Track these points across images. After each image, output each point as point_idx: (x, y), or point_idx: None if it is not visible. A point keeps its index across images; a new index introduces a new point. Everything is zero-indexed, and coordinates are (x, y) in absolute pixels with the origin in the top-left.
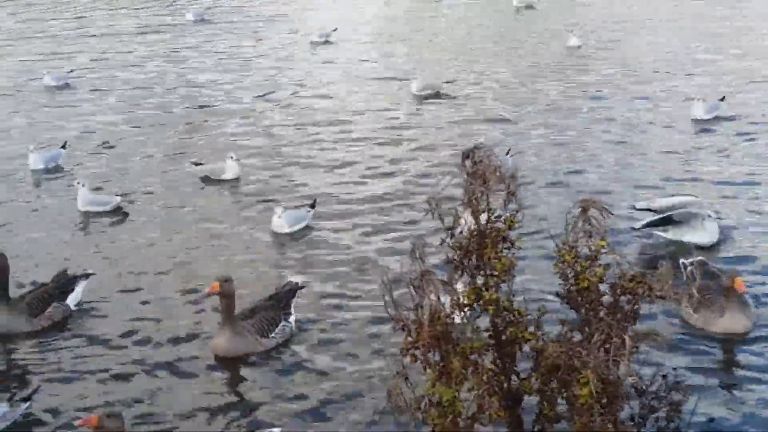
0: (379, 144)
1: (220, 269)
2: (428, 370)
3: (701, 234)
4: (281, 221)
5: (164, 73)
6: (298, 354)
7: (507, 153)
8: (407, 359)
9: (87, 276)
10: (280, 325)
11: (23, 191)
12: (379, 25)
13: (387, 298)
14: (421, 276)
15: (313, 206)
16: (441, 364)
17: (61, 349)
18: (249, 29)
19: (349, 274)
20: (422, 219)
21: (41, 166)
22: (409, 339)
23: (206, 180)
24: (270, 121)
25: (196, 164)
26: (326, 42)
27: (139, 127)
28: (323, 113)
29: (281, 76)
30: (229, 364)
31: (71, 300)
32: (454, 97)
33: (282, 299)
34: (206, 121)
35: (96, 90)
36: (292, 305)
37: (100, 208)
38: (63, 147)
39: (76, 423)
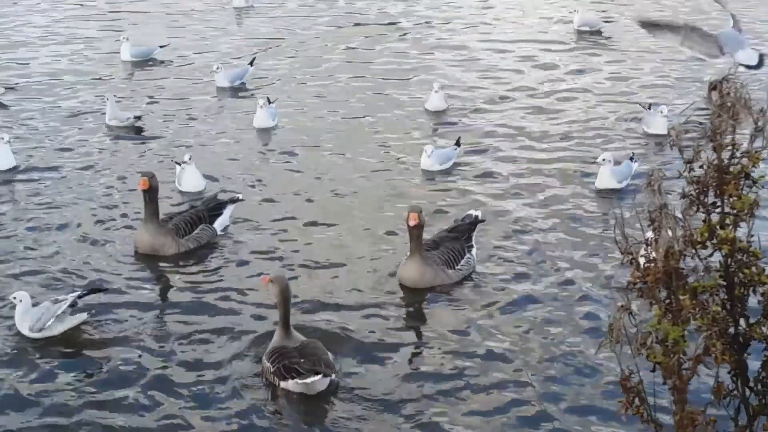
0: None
1: (373, 201)
2: (654, 307)
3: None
4: (431, 160)
5: None
6: (483, 286)
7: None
8: (633, 293)
9: (235, 201)
10: (465, 257)
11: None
12: None
13: (618, 230)
14: (660, 209)
15: (458, 144)
16: (668, 302)
17: (204, 270)
18: None
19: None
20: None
21: (227, 84)
22: (637, 273)
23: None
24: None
25: None
26: None
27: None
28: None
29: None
30: (416, 293)
31: (218, 224)
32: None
33: (464, 232)
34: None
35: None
36: (473, 238)
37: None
38: (250, 64)
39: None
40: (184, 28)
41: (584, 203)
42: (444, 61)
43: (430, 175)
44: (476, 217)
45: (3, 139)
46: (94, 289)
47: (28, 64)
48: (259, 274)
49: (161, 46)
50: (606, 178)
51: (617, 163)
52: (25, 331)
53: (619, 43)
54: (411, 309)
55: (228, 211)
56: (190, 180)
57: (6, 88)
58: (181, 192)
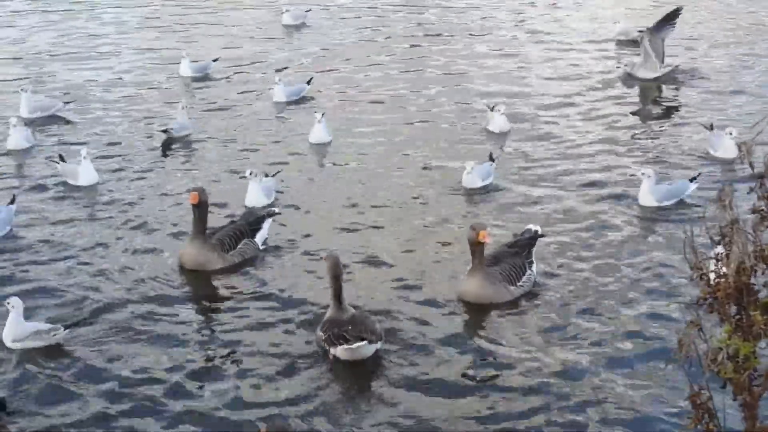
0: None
1: (418, 216)
2: (724, 323)
3: None
4: (472, 176)
5: None
6: (545, 302)
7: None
8: (702, 309)
9: (272, 214)
10: (527, 273)
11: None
12: None
13: (689, 244)
14: (731, 224)
15: (492, 159)
16: (738, 317)
17: (250, 284)
18: None
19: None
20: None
21: (284, 99)
22: (708, 289)
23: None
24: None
25: None
26: None
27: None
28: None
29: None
30: (477, 309)
31: (259, 238)
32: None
33: (524, 247)
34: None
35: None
36: (533, 254)
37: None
38: (308, 83)
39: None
40: (238, 41)
41: (641, 221)
42: (495, 75)
43: (473, 192)
44: (536, 231)
45: (82, 154)
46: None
47: (92, 77)
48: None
49: (214, 60)
50: (645, 194)
51: (661, 182)
52: (8, 342)
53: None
54: (470, 322)
55: (267, 225)
56: (251, 196)
57: (65, 103)
58: (246, 206)
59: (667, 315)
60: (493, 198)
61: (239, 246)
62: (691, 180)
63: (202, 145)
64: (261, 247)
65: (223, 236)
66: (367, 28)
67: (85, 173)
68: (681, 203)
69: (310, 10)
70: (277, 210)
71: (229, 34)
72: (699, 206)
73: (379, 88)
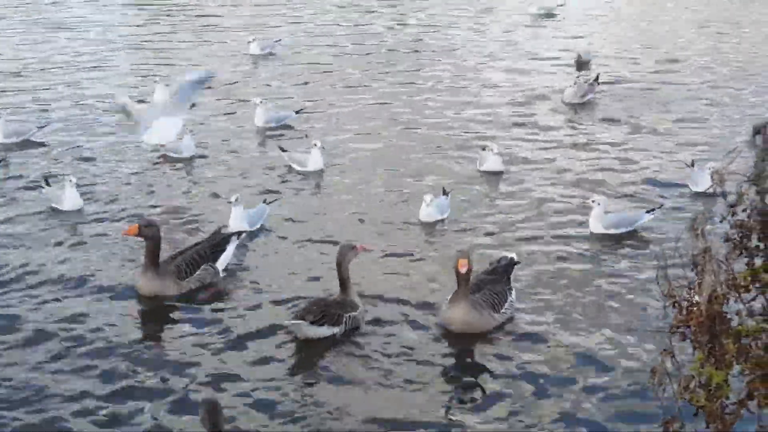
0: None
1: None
2: (697, 351)
3: None
4: (430, 209)
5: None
6: (522, 324)
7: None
8: (675, 337)
9: (240, 234)
10: (508, 299)
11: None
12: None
13: (660, 272)
14: (703, 252)
15: (445, 192)
16: (711, 346)
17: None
18: None
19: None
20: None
21: (263, 124)
22: (680, 317)
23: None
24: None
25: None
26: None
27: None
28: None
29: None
30: (463, 338)
31: (222, 261)
32: None
33: (502, 274)
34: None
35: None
36: (511, 280)
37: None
38: (297, 112)
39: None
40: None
41: (619, 247)
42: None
43: (429, 227)
44: (511, 259)
45: (71, 181)
46: None
47: (66, 98)
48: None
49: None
50: (594, 221)
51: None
52: None
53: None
54: (452, 349)
55: (232, 247)
56: (235, 221)
57: (39, 127)
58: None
59: (639, 342)
60: (451, 228)
61: (197, 272)
62: (648, 211)
63: (193, 167)
64: (221, 273)
65: (181, 262)
66: (349, 52)
67: (69, 199)
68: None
69: (279, 40)
70: (244, 231)
71: (214, 55)
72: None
73: (370, 116)
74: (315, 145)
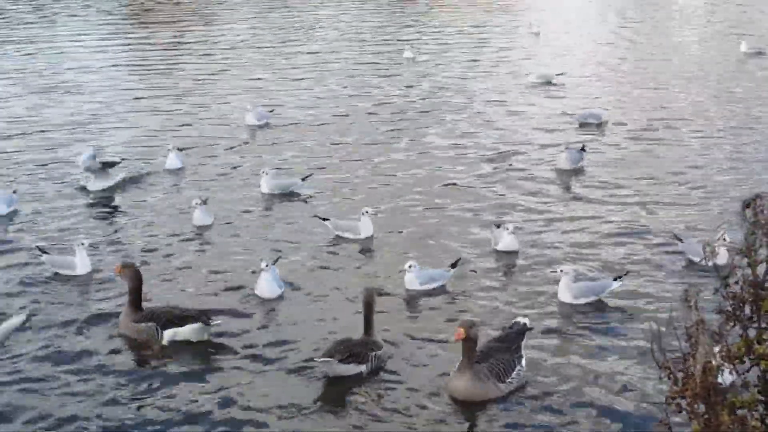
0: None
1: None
2: (693, 422)
3: None
4: (411, 276)
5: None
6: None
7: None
8: (671, 408)
9: (206, 322)
10: (516, 369)
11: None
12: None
13: (655, 344)
14: (697, 324)
15: (454, 266)
16: (706, 416)
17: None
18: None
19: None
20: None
21: (268, 191)
22: (675, 388)
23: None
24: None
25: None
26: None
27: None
28: None
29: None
30: (467, 407)
31: (168, 334)
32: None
33: (513, 341)
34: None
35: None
36: (522, 347)
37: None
38: (303, 179)
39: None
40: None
41: (616, 314)
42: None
43: (413, 294)
44: (524, 324)
45: (83, 245)
46: None
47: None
48: None
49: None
50: (563, 291)
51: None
52: None
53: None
54: (458, 418)
55: (188, 329)
56: (264, 286)
57: None
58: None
59: (638, 414)
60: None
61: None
62: (616, 279)
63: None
64: (165, 342)
65: (160, 312)
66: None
67: (82, 263)
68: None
69: (273, 110)
70: (213, 320)
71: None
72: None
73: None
74: (366, 212)
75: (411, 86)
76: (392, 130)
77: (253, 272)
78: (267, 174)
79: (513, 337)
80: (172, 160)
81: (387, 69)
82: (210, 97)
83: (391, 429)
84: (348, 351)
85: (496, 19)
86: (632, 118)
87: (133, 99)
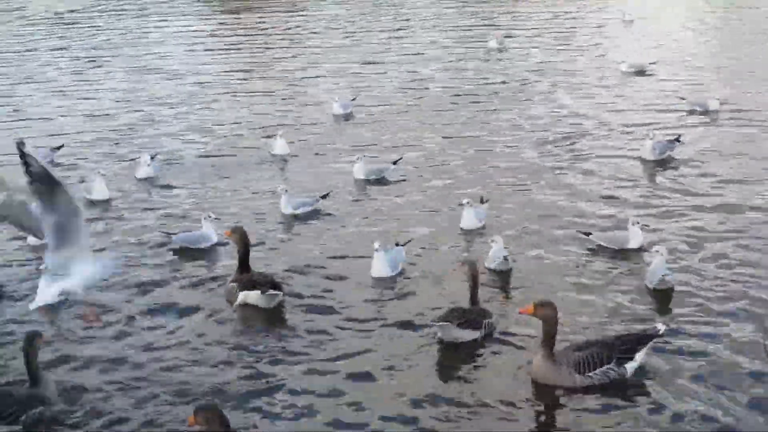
0: None
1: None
2: None
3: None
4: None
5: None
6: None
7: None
8: None
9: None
10: (605, 367)
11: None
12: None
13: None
14: None
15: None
16: None
17: None
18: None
19: None
20: None
21: (363, 177)
22: None
23: None
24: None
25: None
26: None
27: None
28: None
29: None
30: (542, 389)
31: (242, 296)
32: None
33: (627, 342)
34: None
35: None
36: (640, 352)
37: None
38: (394, 163)
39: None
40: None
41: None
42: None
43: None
44: (657, 330)
45: (209, 217)
46: None
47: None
48: None
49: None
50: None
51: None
52: None
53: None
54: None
55: (253, 295)
56: (377, 266)
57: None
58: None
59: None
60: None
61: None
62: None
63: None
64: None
65: (259, 277)
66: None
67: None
68: None
69: (354, 99)
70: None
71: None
72: None
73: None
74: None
75: (494, 75)
76: (475, 116)
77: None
78: (360, 161)
79: (631, 338)
80: (281, 146)
81: (471, 57)
82: (299, 83)
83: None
84: (464, 317)
85: (587, 6)
86: (735, 107)
87: (224, 84)
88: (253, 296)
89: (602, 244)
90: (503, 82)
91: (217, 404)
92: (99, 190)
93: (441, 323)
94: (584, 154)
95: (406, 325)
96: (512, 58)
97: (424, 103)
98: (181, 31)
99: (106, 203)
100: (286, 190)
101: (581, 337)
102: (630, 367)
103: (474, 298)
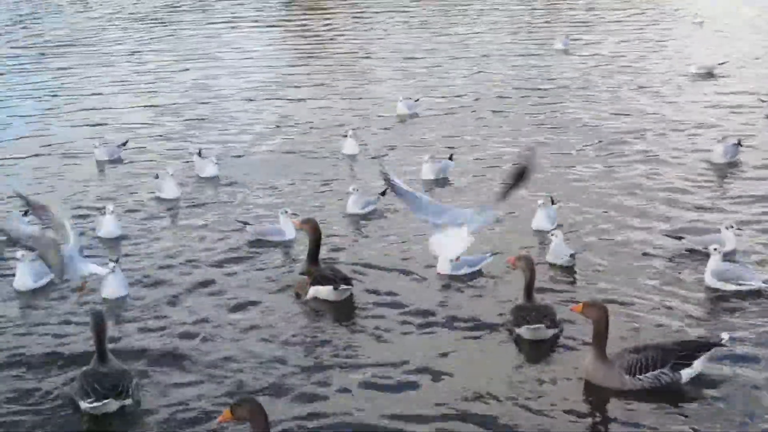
0: None
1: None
2: None
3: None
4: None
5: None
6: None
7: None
8: None
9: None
10: (657, 371)
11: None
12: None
13: None
14: None
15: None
16: None
17: None
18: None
19: None
20: None
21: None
22: None
23: None
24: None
25: None
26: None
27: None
28: None
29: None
30: (593, 389)
31: (312, 291)
32: None
33: (687, 348)
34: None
35: None
36: (698, 359)
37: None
38: (450, 158)
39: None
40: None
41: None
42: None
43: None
44: (721, 340)
45: (286, 212)
46: None
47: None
48: None
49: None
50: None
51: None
52: None
53: None
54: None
55: (324, 290)
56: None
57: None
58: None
59: None
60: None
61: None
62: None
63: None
64: (308, 298)
65: (326, 270)
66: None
67: (288, 230)
68: None
69: (418, 99)
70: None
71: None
72: None
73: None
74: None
75: (559, 75)
76: (542, 116)
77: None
78: (427, 162)
79: (691, 345)
80: (351, 146)
81: (536, 58)
82: (366, 82)
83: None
84: (548, 317)
85: (658, 8)
86: None
87: (288, 82)
88: (324, 291)
89: (696, 248)
90: (567, 82)
91: (254, 398)
92: (169, 189)
93: (535, 326)
94: (652, 154)
95: (474, 322)
96: (578, 58)
97: (488, 103)
98: (253, 32)
99: (175, 201)
100: (357, 189)
101: (643, 341)
102: (686, 373)
103: (530, 294)
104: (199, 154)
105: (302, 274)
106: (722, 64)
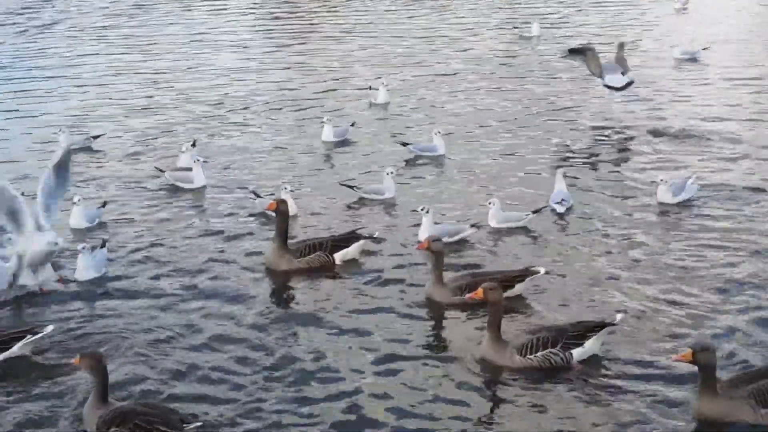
0: None
1: None
2: None
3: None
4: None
5: None
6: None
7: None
8: None
9: (368, 237)
10: (547, 350)
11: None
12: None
13: None
14: None
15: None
16: None
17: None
18: None
19: None
20: None
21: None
22: None
23: None
24: None
25: None
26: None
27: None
28: None
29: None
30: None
31: (339, 255)
32: None
33: (580, 328)
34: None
35: None
36: (588, 340)
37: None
38: (351, 125)
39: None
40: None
41: None
42: None
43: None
44: (602, 322)
45: (286, 189)
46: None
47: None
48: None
49: (351, 125)
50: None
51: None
52: None
53: None
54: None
55: (355, 247)
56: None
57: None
58: None
59: None
60: None
61: (310, 256)
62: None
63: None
64: (338, 262)
65: (303, 245)
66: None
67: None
68: None
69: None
70: (376, 234)
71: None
72: None
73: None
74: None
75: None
76: (531, 114)
77: None
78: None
79: (583, 326)
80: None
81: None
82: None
83: None
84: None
85: None
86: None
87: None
88: (352, 251)
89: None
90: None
91: (98, 352)
92: (198, 178)
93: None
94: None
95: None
96: (552, 45)
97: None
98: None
99: (202, 189)
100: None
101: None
102: (577, 353)
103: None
104: (193, 144)
105: (284, 250)
106: (705, 49)
